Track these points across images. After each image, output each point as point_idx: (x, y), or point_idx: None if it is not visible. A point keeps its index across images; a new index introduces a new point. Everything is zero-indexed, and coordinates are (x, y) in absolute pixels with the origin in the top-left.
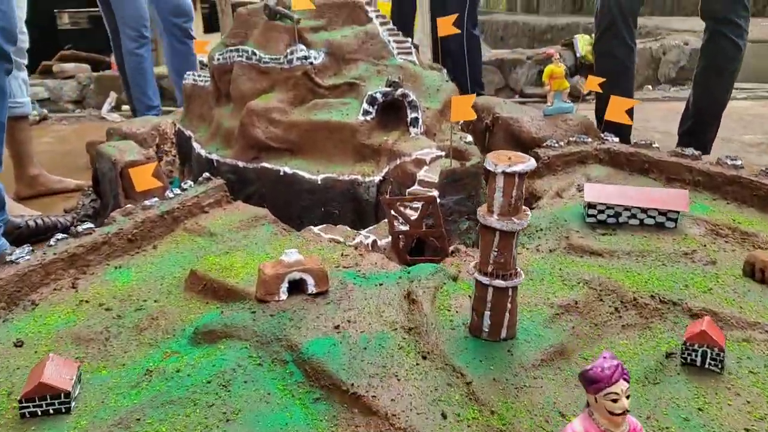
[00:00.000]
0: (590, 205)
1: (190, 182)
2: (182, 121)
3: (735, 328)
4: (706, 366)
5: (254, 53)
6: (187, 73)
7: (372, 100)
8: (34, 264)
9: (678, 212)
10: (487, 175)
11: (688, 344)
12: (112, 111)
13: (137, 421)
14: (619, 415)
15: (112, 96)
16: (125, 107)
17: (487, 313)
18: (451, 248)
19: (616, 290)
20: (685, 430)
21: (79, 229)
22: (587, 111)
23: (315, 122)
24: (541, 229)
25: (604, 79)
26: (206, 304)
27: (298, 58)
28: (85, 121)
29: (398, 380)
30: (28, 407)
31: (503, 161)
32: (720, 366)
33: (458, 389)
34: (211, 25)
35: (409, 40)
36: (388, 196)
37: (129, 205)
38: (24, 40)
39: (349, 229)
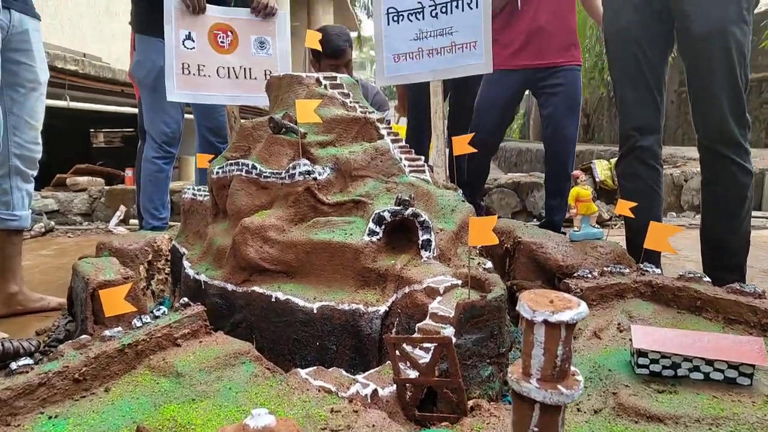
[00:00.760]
0: (640, 353)
1: (163, 309)
2: (178, 238)
3: None
4: None
5: (254, 167)
6: (187, 187)
7: (379, 219)
8: None
9: (753, 366)
10: (516, 314)
11: None
12: (119, 224)
13: None
14: None
15: (122, 209)
16: (133, 221)
17: None
18: (471, 403)
19: None
20: None
21: (14, 366)
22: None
23: (315, 242)
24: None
25: (636, 204)
26: None
27: (300, 173)
28: (91, 234)
29: None
30: None
31: (543, 305)
32: None
33: None
34: None
35: (422, 157)
36: (393, 334)
37: (84, 336)
38: (36, 150)
39: (344, 373)
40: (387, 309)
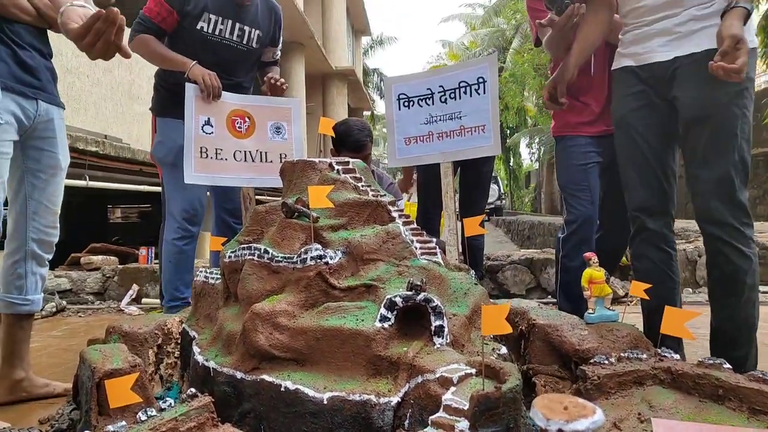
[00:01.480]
0: None
1: (170, 401)
2: (189, 320)
3: None
4: None
5: (266, 251)
6: (200, 269)
7: (391, 305)
8: None
9: None
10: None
11: None
12: (131, 303)
13: None
14: None
15: (134, 288)
16: (146, 300)
17: None
18: None
19: None
20: None
21: None
22: (630, 314)
23: (325, 329)
24: None
25: (650, 285)
26: None
27: (312, 258)
28: (103, 313)
29: None
30: None
31: (558, 413)
32: None
33: None
34: None
35: (434, 240)
36: (406, 427)
37: None
38: (54, 234)
39: None
40: (399, 400)
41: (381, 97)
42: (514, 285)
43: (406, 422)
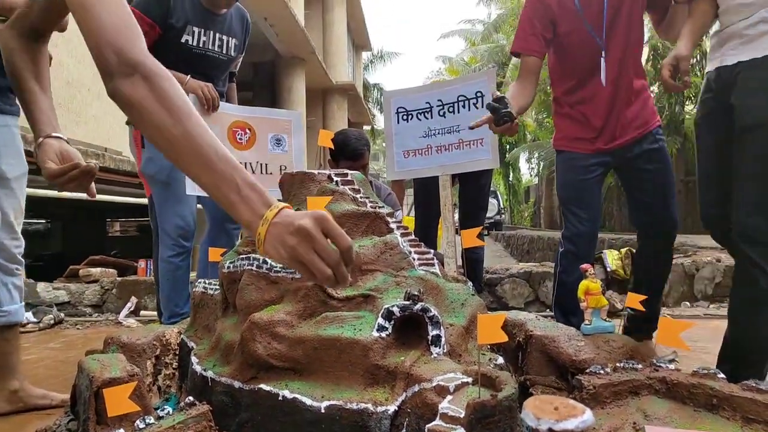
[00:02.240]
0: None
1: (168, 408)
2: (187, 331)
3: None
4: None
5: (265, 261)
6: (198, 280)
7: (388, 315)
8: None
9: None
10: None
11: None
12: (130, 316)
13: None
14: None
15: (133, 301)
16: (144, 312)
17: None
18: None
19: None
20: None
21: None
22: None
23: (323, 338)
24: None
25: (645, 297)
26: None
27: None
28: (101, 326)
29: None
30: None
31: (548, 413)
32: None
33: None
34: None
35: (432, 251)
36: None
37: None
38: (14, 245)
39: None
40: (396, 408)
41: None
42: (513, 298)
43: (403, 430)
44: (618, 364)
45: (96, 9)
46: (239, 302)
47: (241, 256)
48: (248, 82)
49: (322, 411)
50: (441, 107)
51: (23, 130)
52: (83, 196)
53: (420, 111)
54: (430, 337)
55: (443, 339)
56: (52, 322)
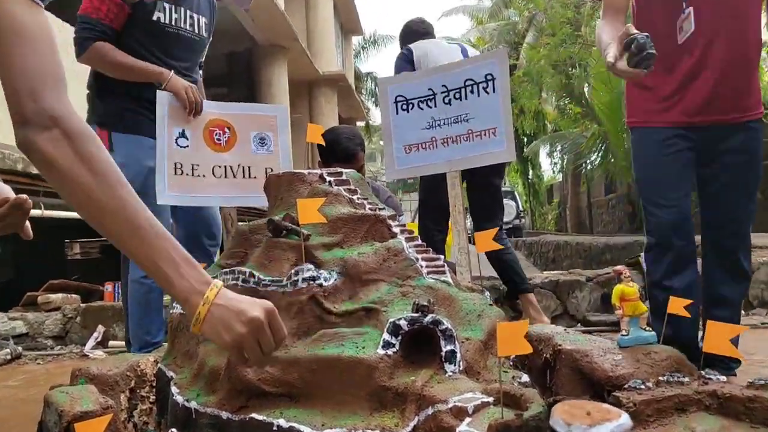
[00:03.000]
0: None
1: None
2: (165, 360)
3: None
4: None
5: (252, 275)
6: (174, 303)
7: (395, 329)
8: None
9: None
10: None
11: None
12: (97, 347)
13: None
14: None
15: (100, 330)
16: (113, 343)
17: None
18: None
19: None
20: None
21: None
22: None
23: (321, 358)
24: None
25: (691, 301)
26: None
27: (304, 279)
28: (64, 359)
29: None
30: None
31: (580, 419)
32: None
33: None
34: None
35: (441, 257)
36: None
37: None
38: None
39: None
40: None
41: (376, 105)
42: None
43: None
44: (661, 378)
45: (21, 49)
46: None
47: (224, 270)
48: (222, 76)
49: None
50: (446, 93)
51: None
52: (36, 212)
53: (422, 99)
54: (443, 354)
55: (458, 355)
56: (9, 357)
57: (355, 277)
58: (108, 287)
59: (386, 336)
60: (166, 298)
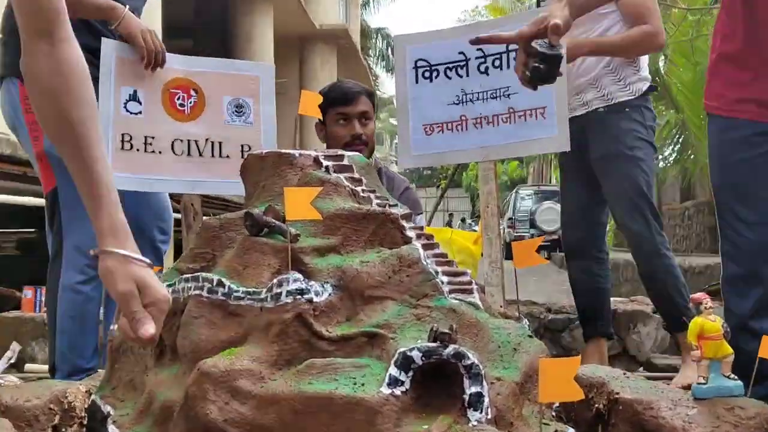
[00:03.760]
0: None
1: None
2: (101, 390)
3: None
4: None
5: (221, 284)
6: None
7: (405, 362)
8: None
9: None
10: None
11: None
12: (9, 371)
13: None
14: None
15: (15, 348)
16: (30, 366)
17: None
18: None
19: None
20: None
21: None
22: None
23: (309, 397)
24: None
25: None
26: None
27: (289, 293)
28: None
29: None
30: None
31: None
32: None
33: None
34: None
35: (468, 271)
36: None
37: None
38: None
39: None
40: None
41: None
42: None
43: None
44: None
45: None
46: (182, 344)
47: (185, 276)
48: (186, 27)
49: None
50: (482, 59)
51: None
52: None
53: (450, 65)
54: (467, 397)
55: (486, 399)
56: None
57: (356, 292)
58: (27, 293)
59: (393, 370)
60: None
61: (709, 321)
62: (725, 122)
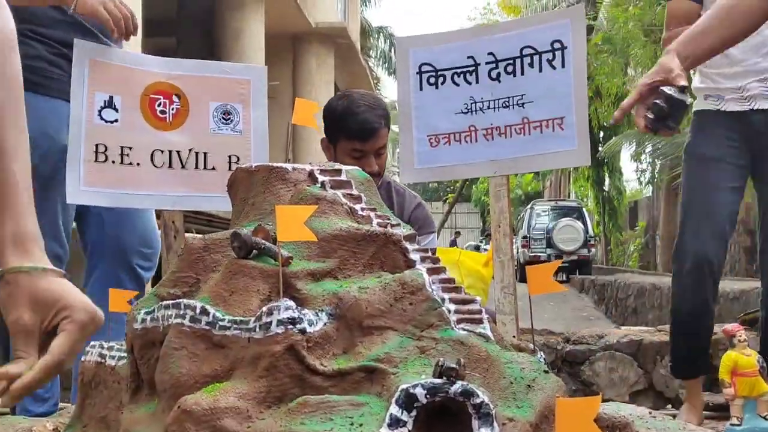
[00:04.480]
0: None
1: None
2: (71, 428)
3: None
4: None
5: (205, 311)
6: (92, 344)
7: (408, 401)
8: None
9: None
10: None
11: None
12: None
13: None
14: None
15: None
16: None
17: None
18: None
19: None
20: None
21: None
22: None
23: None
24: None
25: None
26: None
27: (280, 322)
28: None
29: None
30: None
31: None
32: None
33: None
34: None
35: (478, 299)
36: None
37: None
38: None
39: None
40: None
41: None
42: (610, 385)
43: None
44: None
45: None
46: (161, 378)
47: (166, 303)
48: (168, 23)
49: None
50: (494, 65)
51: None
52: None
53: (458, 70)
54: None
55: None
56: None
57: (354, 321)
58: None
59: (394, 409)
60: None
61: (743, 356)
62: None
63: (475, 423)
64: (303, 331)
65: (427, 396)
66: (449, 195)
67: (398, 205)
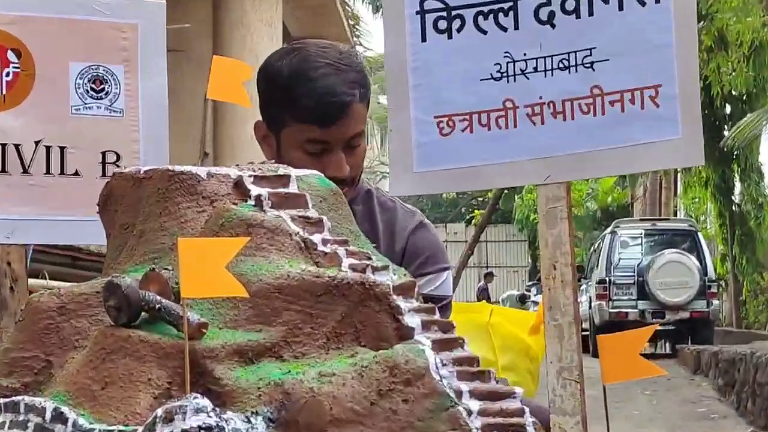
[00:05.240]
0: None
1: None
2: None
3: None
4: None
5: (60, 417)
6: None
7: None
8: None
9: None
10: None
11: None
12: None
13: None
14: None
15: None
16: None
17: None
18: None
19: None
20: None
21: None
22: None
23: None
24: None
25: None
26: None
27: None
28: None
29: None
30: None
31: None
32: None
33: None
34: None
35: (516, 390)
36: None
37: None
38: None
39: None
40: None
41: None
42: None
43: None
44: None
45: None
46: None
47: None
48: None
49: None
50: (544, 0)
51: None
52: None
53: (485, 8)
54: None
55: None
56: None
57: (309, 430)
58: None
59: None
60: None
61: None
62: None
63: None
64: None
65: None
66: (476, 212)
67: (386, 229)
